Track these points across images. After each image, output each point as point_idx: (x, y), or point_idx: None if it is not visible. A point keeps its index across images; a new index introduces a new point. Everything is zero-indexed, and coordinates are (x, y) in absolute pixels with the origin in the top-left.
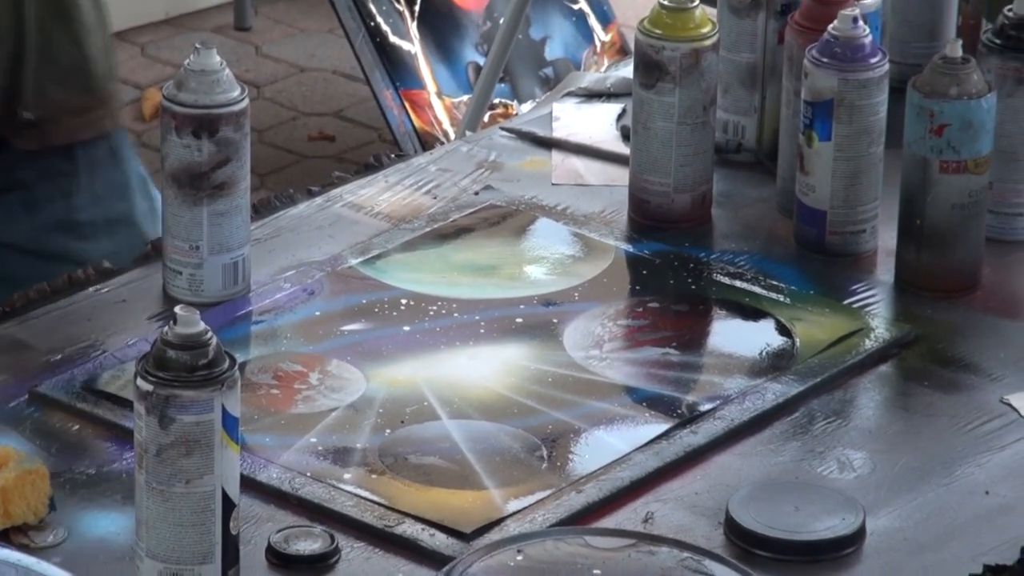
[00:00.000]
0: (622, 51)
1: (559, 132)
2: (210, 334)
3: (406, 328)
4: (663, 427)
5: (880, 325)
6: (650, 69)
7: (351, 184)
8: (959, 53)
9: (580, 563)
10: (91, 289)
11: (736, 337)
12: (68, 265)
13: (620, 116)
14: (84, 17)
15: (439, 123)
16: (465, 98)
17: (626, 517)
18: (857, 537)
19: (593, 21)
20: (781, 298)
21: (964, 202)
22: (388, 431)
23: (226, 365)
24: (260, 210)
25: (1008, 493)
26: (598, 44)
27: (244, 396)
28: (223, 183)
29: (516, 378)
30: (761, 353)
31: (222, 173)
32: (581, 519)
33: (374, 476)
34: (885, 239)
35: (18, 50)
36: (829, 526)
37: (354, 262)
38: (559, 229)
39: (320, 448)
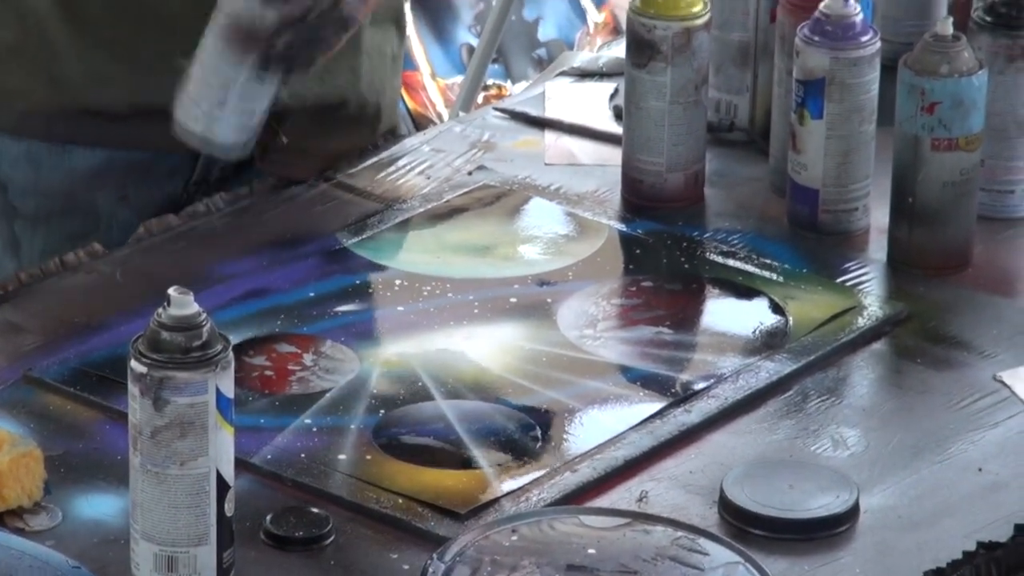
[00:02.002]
0: (615, 31)
1: (552, 112)
2: (204, 315)
3: (400, 308)
4: (657, 406)
5: (873, 303)
6: (642, 48)
7: (344, 165)
8: (950, 31)
9: (575, 542)
10: (84, 271)
11: (729, 316)
12: None
13: (613, 96)
14: None
15: (432, 104)
16: (459, 79)
17: (620, 496)
18: (851, 515)
19: (586, 1)
20: (774, 276)
21: (956, 180)
22: (382, 412)
23: (220, 347)
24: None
25: (1001, 470)
26: (591, 24)
27: (238, 377)
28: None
29: (510, 358)
30: (754, 332)
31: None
32: (576, 498)
33: (368, 457)
34: (877, 217)
35: None
36: (823, 504)
37: (348, 242)
38: (552, 209)
39: (315, 429)
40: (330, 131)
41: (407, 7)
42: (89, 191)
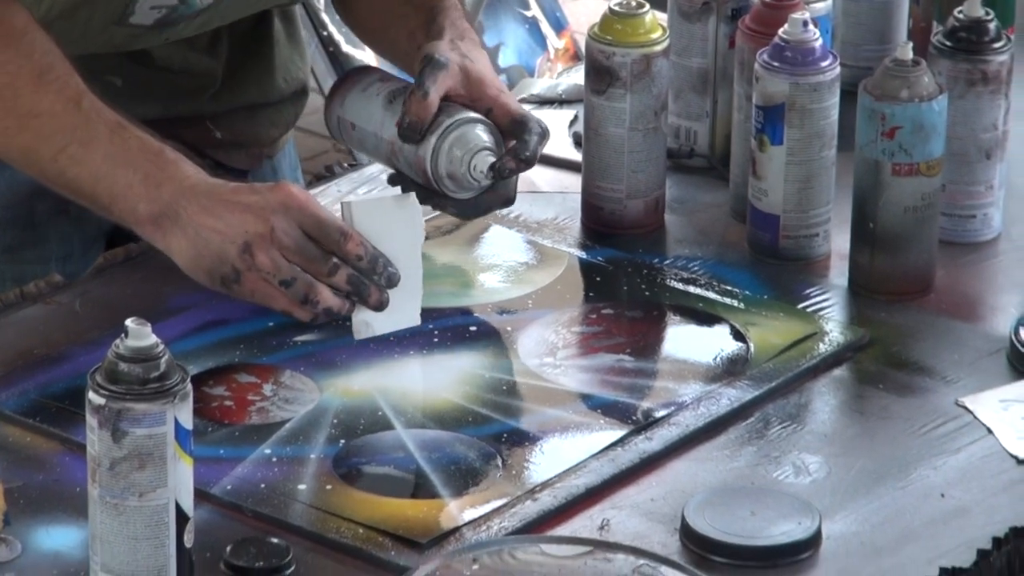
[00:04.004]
0: (576, 57)
1: None
2: (161, 347)
3: (354, 335)
4: (618, 434)
5: (834, 329)
6: (601, 75)
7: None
8: (910, 55)
9: (536, 571)
10: (43, 302)
11: (690, 343)
12: None
13: (572, 122)
14: None
15: None
16: None
17: (582, 524)
18: (813, 541)
19: (546, 28)
20: (735, 303)
21: (917, 204)
22: (343, 441)
23: (178, 378)
24: None
25: (963, 496)
26: (551, 51)
27: (197, 408)
28: None
29: (470, 387)
30: (715, 358)
31: None
32: (537, 527)
33: (329, 487)
34: (838, 243)
35: None
36: (785, 531)
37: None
38: (512, 236)
39: (274, 459)
40: (258, 121)
41: None
42: (28, 203)
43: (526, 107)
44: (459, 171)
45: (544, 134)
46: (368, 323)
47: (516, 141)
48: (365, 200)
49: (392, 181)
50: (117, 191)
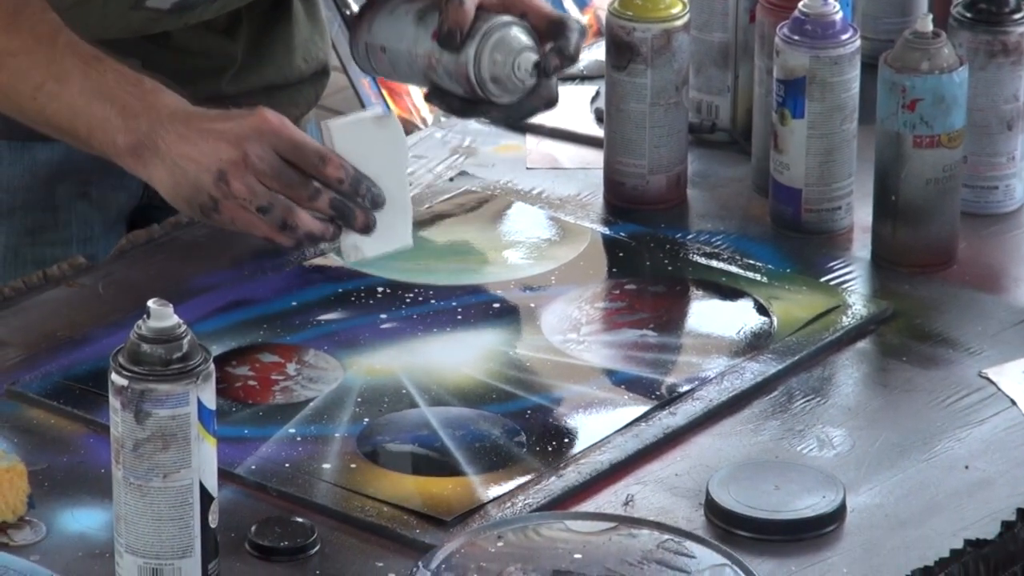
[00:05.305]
0: (599, 33)
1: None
2: (184, 327)
3: (383, 316)
4: (642, 409)
5: (857, 302)
6: (621, 51)
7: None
8: (930, 27)
9: (561, 547)
10: (66, 284)
11: (714, 317)
12: None
13: (594, 98)
14: None
15: (417, 110)
16: None
17: (606, 500)
18: (838, 515)
19: (569, 4)
20: (758, 277)
21: (938, 177)
22: (367, 420)
23: (200, 358)
24: None
25: (988, 467)
26: None
27: (221, 388)
28: None
29: (494, 363)
30: (739, 332)
31: None
32: (561, 503)
33: (353, 466)
34: (861, 216)
35: None
36: (810, 504)
37: (330, 250)
38: (535, 213)
39: (299, 439)
40: (278, 102)
41: None
42: (49, 186)
43: None
44: (503, 73)
45: (584, 31)
46: (357, 246)
47: (556, 40)
48: (344, 121)
49: (429, 99)
50: (95, 124)
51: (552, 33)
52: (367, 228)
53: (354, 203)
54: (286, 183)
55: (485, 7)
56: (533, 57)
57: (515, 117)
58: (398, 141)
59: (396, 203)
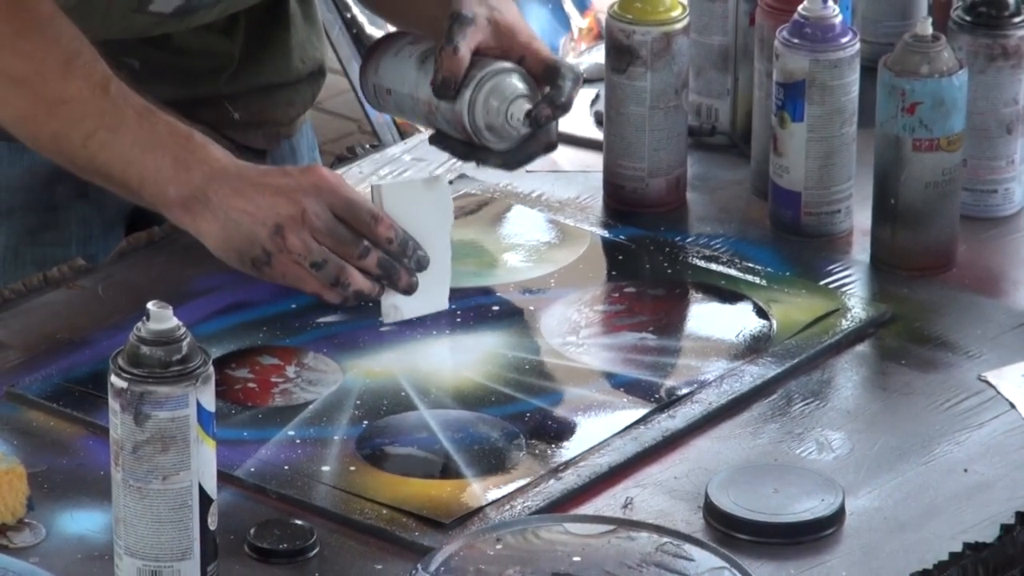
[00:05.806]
0: (599, 37)
1: None
2: (183, 329)
3: (382, 318)
4: (641, 412)
5: (856, 305)
6: (621, 54)
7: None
8: (929, 31)
9: (560, 550)
10: (66, 286)
11: (713, 320)
12: None
13: (594, 101)
14: None
15: None
16: None
17: (605, 503)
18: (837, 518)
19: (570, 7)
20: (757, 280)
21: (938, 180)
22: (366, 422)
23: (200, 360)
24: None
25: (987, 471)
26: (575, 30)
27: (221, 391)
28: None
29: (493, 366)
30: (738, 336)
31: None
32: (560, 506)
33: (352, 468)
34: (860, 219)
35: None
36: (809, 507)
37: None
38: (534, 216)
39: (298, 441)
40: (275, 101)
41: None
42: (48, 186)
43: None
44: (497, 121)
45: (577, 79)
46: (397, 307)
47: (550, 87)
48: (395, 183)
49: (433, 141)
50: (147, 175)
51: (547, 78)
52: (410, 289)
53: (400, 263)
54: (339, 240)
55: (483, 52)
56: (526, 106)
57: (514, 162)
58: (445, 206)
59: (437, 265)
